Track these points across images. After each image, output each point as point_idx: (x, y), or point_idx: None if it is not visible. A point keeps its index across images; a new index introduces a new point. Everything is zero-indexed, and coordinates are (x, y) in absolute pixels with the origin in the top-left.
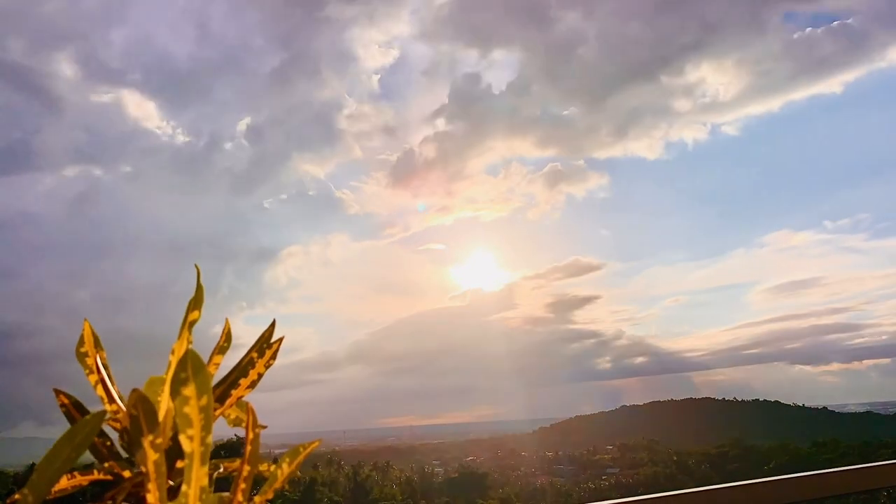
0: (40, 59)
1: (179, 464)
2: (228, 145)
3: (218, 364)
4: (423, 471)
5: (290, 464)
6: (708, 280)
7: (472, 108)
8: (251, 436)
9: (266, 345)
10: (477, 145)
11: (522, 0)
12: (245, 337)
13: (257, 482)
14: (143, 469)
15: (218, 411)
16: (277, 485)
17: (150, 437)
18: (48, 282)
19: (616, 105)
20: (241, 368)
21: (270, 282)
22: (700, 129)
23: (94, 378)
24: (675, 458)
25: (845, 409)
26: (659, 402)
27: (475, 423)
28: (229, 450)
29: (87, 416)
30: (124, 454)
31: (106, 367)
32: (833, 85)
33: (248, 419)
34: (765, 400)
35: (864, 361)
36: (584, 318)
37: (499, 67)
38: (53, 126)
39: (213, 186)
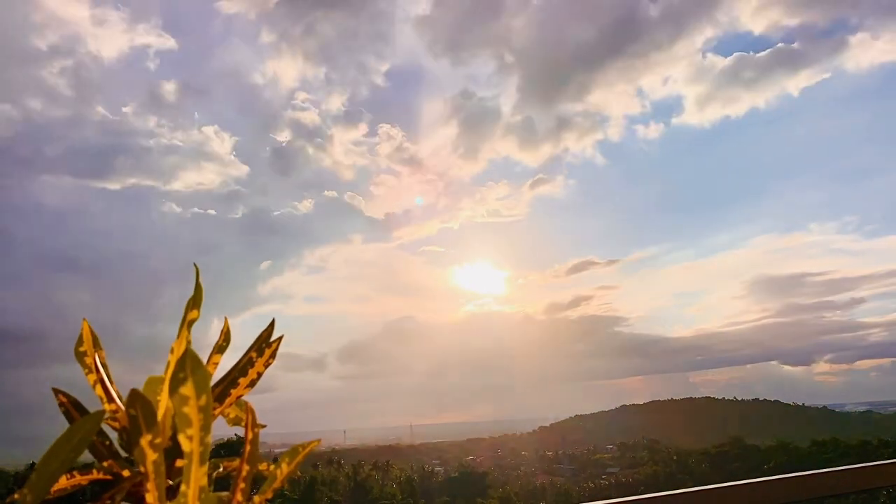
0: None
1: (179, 463)
2: None
3: (217, 363)
4: (423, 470)
5: (289, 463)
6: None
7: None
8: (250, 435)
9: (265, 344)
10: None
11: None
12: None
13: (257, 482)
14: (142, 468)
15: (217, 411)
16: (277, 484)
17: (149, 437)
18: None
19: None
20: (241, 368)
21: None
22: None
23: (92, 377)
24: (675, 458)
25: (845, 409)
26: (659, 401)
27: (475, 422)
28: (228, 449)
29: (86, 416)
30: (123, 453)
31: (105, 367)
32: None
33: (247, 418)
34: (764, 399)
35: (860, 362)
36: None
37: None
38: None
39: None
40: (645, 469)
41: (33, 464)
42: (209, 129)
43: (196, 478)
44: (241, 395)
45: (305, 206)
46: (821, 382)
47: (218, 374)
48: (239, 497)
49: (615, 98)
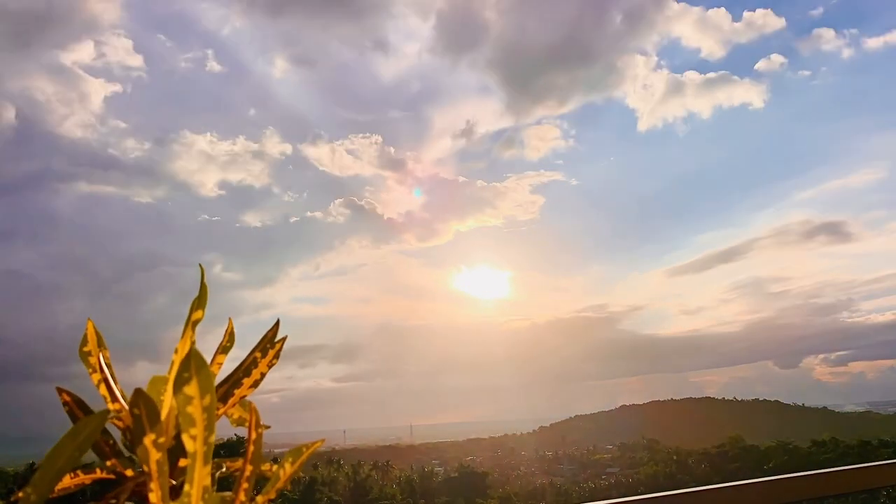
0: None
1: (182, 463)
2: None
3: (221, 364)
4: (423, 470)
5: (292, 464)
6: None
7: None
8: (254, 435)
9: (269, 345)
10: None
11: None
12: None
13: (259, 482)
14: (146, 468)
15: (221, 411)
16: (280, 484)
17: (153, 437)
18: None
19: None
20: (244, 368)
21: None
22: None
23: (97, 377)
24: (674, 458)
25: (844, 409)
26: (658, 401)
27: (475, 422)
28: (231, 449)
29: (90, 415)
30: (127, 453)
31: (109, 367)
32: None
33: (250, 419)
34: (764, 399)
35: (860, 362)
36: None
37: None
38: None
39: None
40: (645, 469)
41: (34, 463)
42: None
43: (199, 477)
44: (244, 396)
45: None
46: (820, 382)
47: (222, 374)
48: (242, 497)
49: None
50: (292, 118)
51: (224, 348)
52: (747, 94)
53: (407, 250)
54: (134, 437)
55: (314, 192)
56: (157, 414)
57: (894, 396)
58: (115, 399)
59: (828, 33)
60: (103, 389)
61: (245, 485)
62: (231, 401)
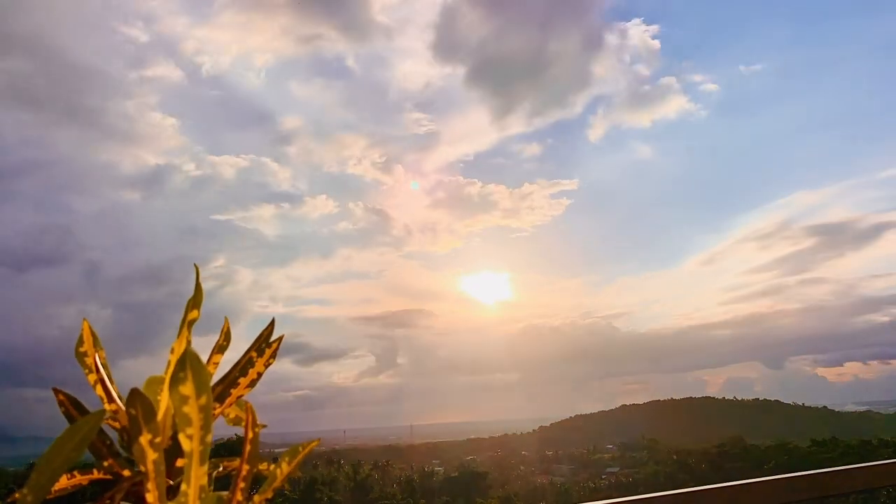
0: None
1: (179, 462)
2: None
3: (217, 363)
4: (423, 470)
5: (289, 463)
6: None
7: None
8: (250, 435)
9: (265, 344)
10: None
11: None
12: None
13: (257, 481)
14: (143, 468)
15: (217, 410)
16: (277, 484)
17: (149, 437)
18: None
19: None
20: (241, 367)
21: None
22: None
23: (93, 377)
24: (674, 457)
25: (845, 409)
26: (658, 401)
27: (475, 422)
28: (228, 449)
29: (87, 416)
30: (124, 453)
31: (105, 367)
32: None
33: (247, 418)
34: (764, 399)
35: (858, 362)
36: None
37: None
38: None
39: None
40: (645, 469)
41: (33, 463)
42: None
43: (196, 477)
44: (241, 395)
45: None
46: (820, 382)
47: (218, 373)
48: (239, 496)
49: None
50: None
51: (220, 347)
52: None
53: (413, 253)
54: (130, 437)
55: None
56: (154, 414)
57: (894, 396)
58: (111, 399)
59: None
60: (99, 390)
61: (242, 484)
62: (228, 400)
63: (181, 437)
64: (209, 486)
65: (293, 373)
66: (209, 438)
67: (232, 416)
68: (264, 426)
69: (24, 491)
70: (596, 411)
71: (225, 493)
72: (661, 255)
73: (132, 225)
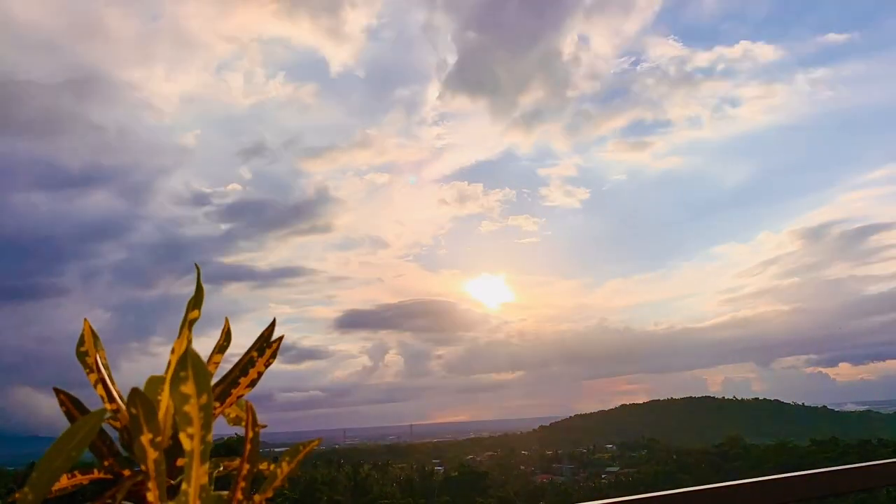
0: None
1: (180, 462)
2: None
3: (217, 363)
4: (423, 470)
5: (289, 462)
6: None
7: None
8: (251, 434)
9: (266, 344)
10: None
11: None
12: None
13: (257, 481)
14: (143, 467)
15: (218, 410)
16: (277, 483)
17: (150, 436)
18: None
19: None
20: (241, 367)
21: None
22: None
23: (93, 377)
24: (674, 457)
25: (845, 408)
26: (658, 400)
27: (475, 422)
28: (228, 448)
29: (87, 415)
30: (124, 453)
31: (106, 367)
32: None
33: (247, 418)
34: (764, 399)
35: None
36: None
37: None
38: None
39: None
40: (644, 468)
41: (34, 463)
42: None
43: (197, 476)
44: (241, 395)
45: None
46: (821, 381)
47: (218, 372)
48: (239, 496)
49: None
50: None
51: (221, 347)
52: None
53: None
54: (131, 436)
55: None
56: (154, 413)
57: (894, 396)
58: (112, 399)
59: None
60: (100, 389)
61: (242, 483)
62: (228, 400)
63: (182, 437)
64: (210, 485)
65: (291, 372)
66: (210, 438)
67: (232, 415)
68: (264, 426)
69: (26, 490)
70: (595, 411)
71: (225, 493)
72: (661, 255)
73: None
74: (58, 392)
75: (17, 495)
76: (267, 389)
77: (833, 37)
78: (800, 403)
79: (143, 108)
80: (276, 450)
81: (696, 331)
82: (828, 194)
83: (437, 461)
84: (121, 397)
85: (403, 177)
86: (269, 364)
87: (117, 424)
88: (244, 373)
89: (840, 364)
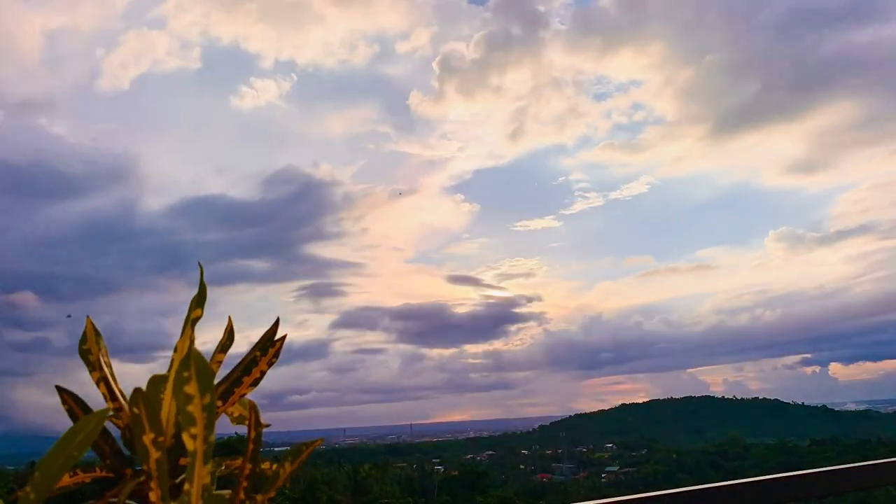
0: None
1: (182, 461)
2: None
3: (220, 362)
4: (423, 469)
5: (292, 462)
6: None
7: None
8: (253, 434)
9: (269, 343)
10: None
11: None
12: None
13: (259, 480)
14: (145, 467)
15: (221, 409)
16: (280, 483)
17: (152, 435)
18: None
19: None
20: (245, 366)
21: None
22: None
23: (96, 375)
24: (674, 457)
25: (844, 408)
26: (658, 400)
27: (475, 421)
28: (230, 447)
29: (90, 415)
30: (127, 452)
31: (108, 365)
32: None
33: (250, 417)
34: (764, 398)
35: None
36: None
37: None
38: None
39: None
40: (644, 468)
41: (34, 462)
42: None
43: (199, 476)
44: (244, 394)
45: None
46: (820, 381)
47: (221, 372)
48: (242, 495)
49: None
50: None
51: (223, 346)
52: None
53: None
54: (133, 436)
55: None
56: (156, 413)
57: (894, 395)
58: (114, 398)
59: None
60: (102, 388)
61: (245, 483)
62: (231, 399)
63: (184, 437)
64: (212, 485)
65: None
66: (212, 438)
67: (236, 414)
68: (268, 425)
69: (28, 489)
70: (595, 410)
71: (227, 492)
72: (659, 254)
73: None
74: (60, 391)
75: (19, 493)
76: (279, 390)
77: None
78: (799, 403)
79: None
80: (276, 449)
81: (696, 330)
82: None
83: (437, 460)
84: (123, 396)
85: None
86: (272, 364)
87: (120, 423)
88: (247, 372)
89: (839, 363)
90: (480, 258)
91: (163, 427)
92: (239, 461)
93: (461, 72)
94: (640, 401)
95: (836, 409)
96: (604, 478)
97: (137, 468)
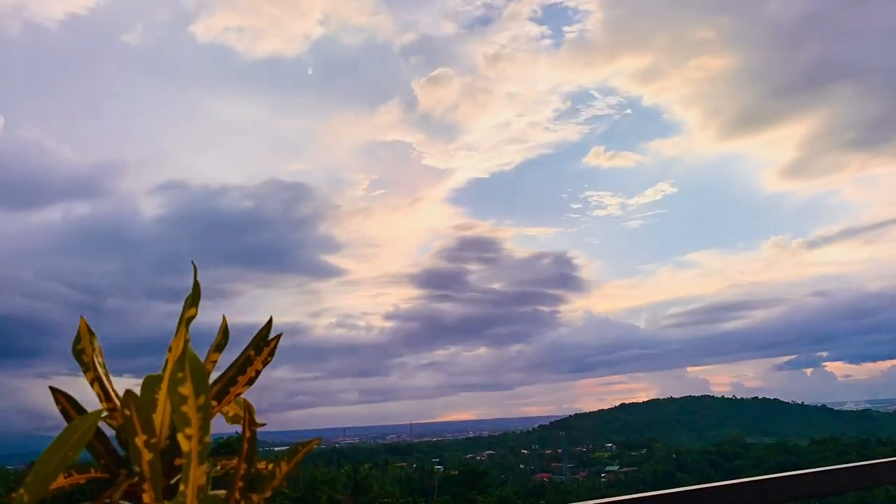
0: None
1: (178, 462)
2: None
3: (215, 361)
4: (423, 468)
5: (289, 462)
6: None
7: None
8: (248, 434)
9: (263, 342)
10: None
11: None
12: None
13: (256, 480)
14: (138, 468)
15: (216, 409)
16: (276, 483)
17: (144, 437)
18: None
19: None
20: (239, 366)
21: None
22: None
23: (90, 376)
24: (674, 456)
25: (844, 407)
26: (658, 399)
27: (475, 420)
28: (227, 447)
29: (84, 415)
30: (122, 452)
31: (102, 365)
32: None
33: (245, 417)
34: (763, 398)
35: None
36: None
37: None
38: None
39: None
40: (644, 467)
41: (32, 462)
42: None
43: (195, 477)
44: (239, 393)
45: None
46: (820, 380)
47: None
48: (237, 496)
49: None
50: None
51: (218, 346)
52: None
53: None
54: (126, 437)
55: None
56: (149, 414)
57: (894, 395)
58: (108, 399)
59: None
60: (97, 388)
61: (240, 483)
62: (226, 399)
63: (179, 437)
64: (207, 485)
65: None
66: (208, 438)
67: (231, 414)
68: (263, 424)
69: (21, 491)
70: (595, 410)
71: (223, 493)
72: (659, 253)
73: None
74: (54, 391)
75: (13, 495)
76: (285, 392)
77: None
78: (799, 402)
79: None
80: (276, 449)
81: (696, 330)
82: None
83: (437, 460)
84: (118, 396)
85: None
86: (267, 363)
87: (114, 424)
88: (242, 371)
89: (839, 363)
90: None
91: (155, 428)
92: (234, 461)
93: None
94: (640, 400)
95: (836, 408)
96: (603, 477)
97: (132, 469)
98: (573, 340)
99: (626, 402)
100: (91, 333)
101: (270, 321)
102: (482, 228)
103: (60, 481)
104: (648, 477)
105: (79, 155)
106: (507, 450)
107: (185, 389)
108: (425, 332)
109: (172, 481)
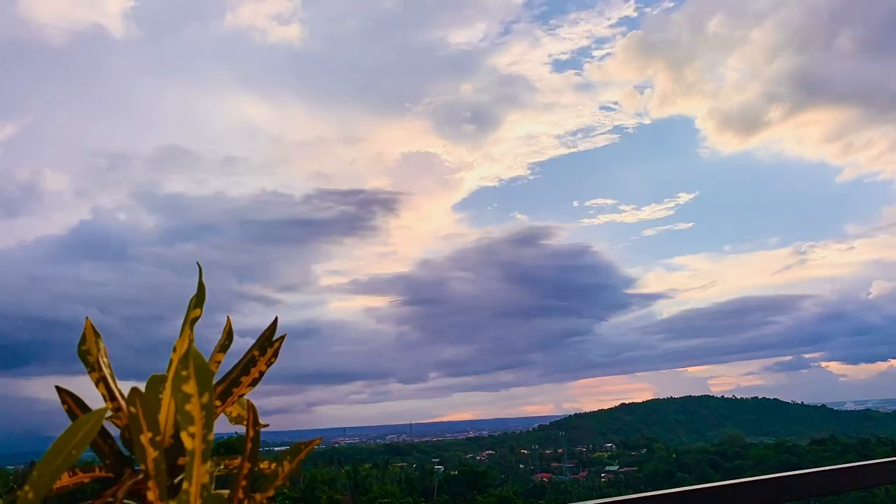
0: None
1: (181, 461)
2: None
3: (219, 362)
4: (423, 468)
5: (290, 461)
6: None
7: None
8: (251, 433)
9: (267, 343)
10: None
11: None
12: None
13: (258, 479)
14: (143, 466)
15: (220, 409)
16: (278, 482)
17: (149, 435)
18: None
19: None
20: (243, 366)
21: None
22: None
23: (95, 375)
24: (673, 456)
25: (844, 407)
26: (658, 399)
27: (475, 420)
28: (229, 447)
29: (88, 414)
30: (126, 451)
31: (107, 365)
32: None
33: (248, 417)
34: (763, 398)
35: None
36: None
37: None
38: None
39: None
40: (644, 467)
41: (33, 462)
42: None
43: (198, 476)
44: (243, 394)
45: None
46: (820, 380)
47: (220, 371)
48: (240, 495)
49: None
50: None
51: (223, 346)
52: None
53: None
54: (131, 435)
55: None
56: (154, 412)
57: (894, 395)
58: (113, 398)
59: None
60: (101, 388)
61: (243, 482)
62: (230, 399)
63: (183, 436)
64: (211, 484)
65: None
66: (211, 437)
67: (234, 414)
68: (266, 425)
69: (26, 489)
70: (595, 409)
71: (226, 492)
72: (656, 253)
73: None
74: (60, 390)
75: (17, 493)
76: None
77: None
78: (799, 402)
79: None
80: (276, 448)
81: (695, 329)
82: None
83: (437, 460)
84: (122, 395)
85: None
86: (271, 363)
87: (119, 423)
88: (246, 372)
89: (839, 363)
90: None
91: (160, 426)
92: (238, 460)
93: None
94: (640, 400)
95: (836, 408)
96: (603, 477)
97: (136, 468)
98: (573, 340)
99: (626, 402)
100: (96, 334)
101: (275, 322)
102: (485, 232)
103: (65, 480)
104: (648, 477)
105: None
106: (507, 450)
107: (189, 388)
108: (426, 332)
109: (176, 480)
